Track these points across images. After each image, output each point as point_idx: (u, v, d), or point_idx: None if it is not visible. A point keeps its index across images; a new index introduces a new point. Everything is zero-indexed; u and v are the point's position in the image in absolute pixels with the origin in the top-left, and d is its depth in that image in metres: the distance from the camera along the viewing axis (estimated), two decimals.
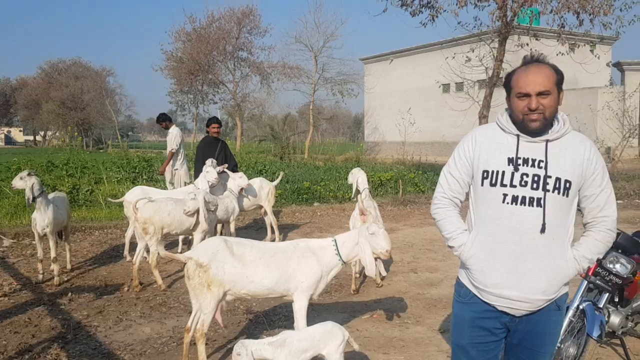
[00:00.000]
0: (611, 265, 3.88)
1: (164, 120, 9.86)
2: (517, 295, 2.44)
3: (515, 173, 2.42)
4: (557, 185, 2.39)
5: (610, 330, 4.11)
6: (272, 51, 40.24)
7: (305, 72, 31.81)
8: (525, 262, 2.42)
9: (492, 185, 2.46)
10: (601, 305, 3.94)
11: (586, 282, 3.90)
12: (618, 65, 28.14)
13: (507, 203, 2.42)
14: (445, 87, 33.76)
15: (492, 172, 2.47)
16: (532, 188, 2.39)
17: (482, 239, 2.53)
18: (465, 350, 2.63)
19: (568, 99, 25.00)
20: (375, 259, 4.04)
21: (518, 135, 2.45)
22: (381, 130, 38.88)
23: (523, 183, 2.40)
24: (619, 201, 13.86)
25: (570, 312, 3.74)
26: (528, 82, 2.36)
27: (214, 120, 8.86)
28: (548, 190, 2.38)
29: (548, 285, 2.43)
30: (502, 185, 2.44)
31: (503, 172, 2.44)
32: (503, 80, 2.60)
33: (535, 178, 2.39)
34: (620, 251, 3.97)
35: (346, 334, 3.35)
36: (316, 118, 32.91)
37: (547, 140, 2.42)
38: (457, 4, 14.05)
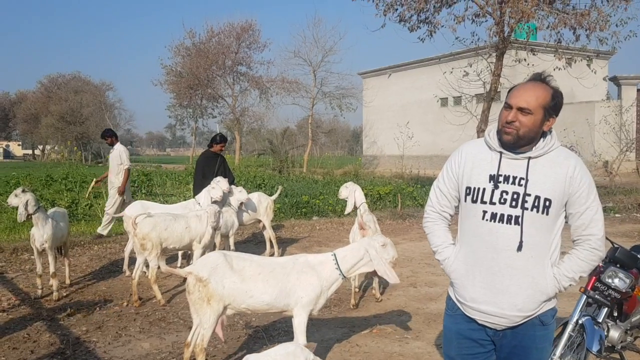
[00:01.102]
0: (610, 280, 3.89)
1: (110, 136, 9.55)
2: (494, 311, 2.47)
3: (496, 190, 2.44)
4: (536, 204, 2.39)
5: (610, 345, 4.11)
6: (271, 66, 40.43)
7: (304, 86, 31.97)
8: (502, 278, 2.44)
9: (474, 201, 2.50)
10: (600, 320, 3.94)
11: (585, 296, 3.91)
12: (614, 80, 28.30)
13: (487, 220, 2.45)
14: (443, 101, 33.93)
15: (474, 188, 2.50)
16: (510, 206, 2.41)
17: (463, 254, 2.57)
18: None
19: (565, 113, 25.02)
20: (375, 272, 4.06)
21: (501, 153, 2.47)
22: (379, 144, 38.95)
23: (502, 200, 2.42)
24: (617, 215, 13.89)
25: (570, 327, 3.75)
26: (516, 95, 2.41)
27: (223, 139, 8.74)
28: (526, 209, 2.39)
29: (525, 302, 2.44)
30: (482, 202, 2.46)
31: (484, 189, 2.47)
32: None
33: (515, 196, 2.41)
34: (618, 266, 3.98)
35: (310, 356, 3.18)
36: (315, 132, 32.97)
37: (530, 158, 2.43)
38: (454, 20, 14.21)
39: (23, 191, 6.30)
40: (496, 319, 2.48)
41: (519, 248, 2.40)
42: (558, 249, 2.49)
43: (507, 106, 2.42)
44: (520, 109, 2.37)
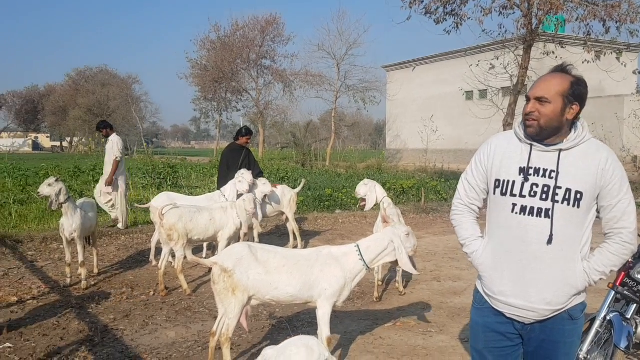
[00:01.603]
0: (639, 276, 3.83)
1: (105, 128, 9.55)
2: (523, 305, 2.45)
3: (526, 183, 2.42)
4: (566, 197, 2.36)
5: (638, 342, 4.05)
6: (295, 59, 40.51)
7: (328, 79, 32.01)
8: (532, 272, 2.42)
9: (503, 194, 2.48)
10: (629, 316, 3.89)
11: (614, 292, 3.86)
12: None
13: (516, 213, 2.43)
14: (469, 95, 33.53)
15: (504, 181, 2.48)
16: (541, 199, 2.38)
17: (492, 247, 2.55)
18: (482, 354, 2.65)
19: (594, 107, 24.73)
20: (396, 262, 4.08)
21: (531, 145, 2.45)
22: (403, 138, 38.78)
23: (532, 193, 2.40)
24: None
25: (597, 323, 3.71)
26: (534, 86, 2.42)
27: (249, 132, 8.75)
28: (557, 202, 2.36)
29: (554, 296, 2.41)
30: (512, 195, 2.44)
31: (513, 182, 2.44)
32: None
33: (545, 189, 2.38)
34: None
35: (325, 353, 3.08)
36: (338, 125, 32.97)
37: (561, 150, 2.40)
38: (481, 12, 14.00)
39: (56, 181, 6.44)
40: (525, 313, 2.46)
41: (549, 241, 2.37)
42: (589, 243, 2.46)
43: (527, 99, 2.43)
44: (538, 99, 2.37)
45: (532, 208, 2.40)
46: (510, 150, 2.50)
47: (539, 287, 2.41)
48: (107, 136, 9.59)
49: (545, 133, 2.39)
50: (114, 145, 9.38)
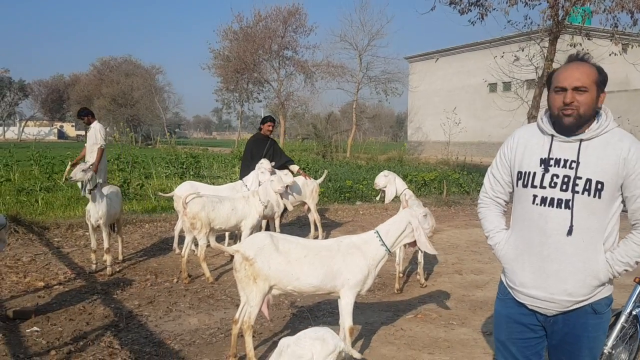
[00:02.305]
0: None
1: (86, 115, 9.37)
2: (544, 296, 2.44)
3: (546, 174, 2.41)
4: (587, 187, 2.34)
5: None
6: (317, 50, 40.40)
7: (349, 70, 31.79)
8: (552, 263, 2.41)
9: (524, 186, 2.48)
10: None
11: None
12: None
13: (537, 204, 2.43)
14: (492, 87, 33.19)
15: (525, 173, 2.48)
16: (561, 189, 2.37)
17: (514, 239, 2.57)
18: (505, 345, 2.66)
19: (620, 100, 24.24)
20: (413, 244, 4.09)
21: (552, 136, 2.43)
22: (425, 130, 38.54)
23: (552, 184, 2.39)
24: None
25: (623, 318, 3.67)
26: (566, 76, 2.37)
27: (270, 118, 8.81)
28: (577, 192, 2.35)
29: (575, 287, 2.39)
30: (533, 186, 2.44)
31: (534, 173, 2.45)
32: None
33: (565, 179, 2.37)
34: None
35: (340, 344, 2.95)
36: (359, 117, 32.82)
37: (581, 140, 2.38)
38: (507, 3, 13.81)
39: (89, 167, 6.56)
40: (545, 304, 2.46)
41: (569, 232, 2.36)
42: (614, 234, 2.43)
43: (560, 90, 2.38)
44: (576, 89, 2.34)
45: (552, 199, 2.39)
46: (533, 143, 2.51)
47: (559, 278, 2.40)
48: (88, 124, 9.41)
49: (582, 121, 2.37)
50: (96, 133, 9.21)
